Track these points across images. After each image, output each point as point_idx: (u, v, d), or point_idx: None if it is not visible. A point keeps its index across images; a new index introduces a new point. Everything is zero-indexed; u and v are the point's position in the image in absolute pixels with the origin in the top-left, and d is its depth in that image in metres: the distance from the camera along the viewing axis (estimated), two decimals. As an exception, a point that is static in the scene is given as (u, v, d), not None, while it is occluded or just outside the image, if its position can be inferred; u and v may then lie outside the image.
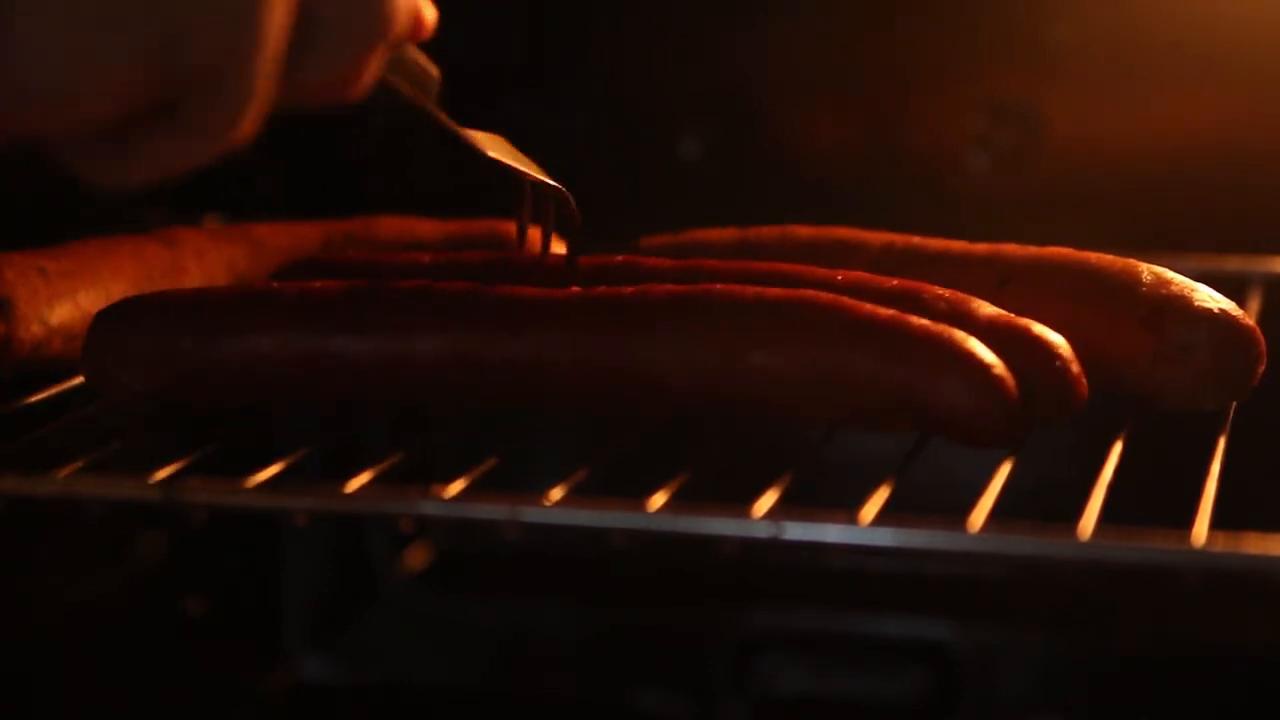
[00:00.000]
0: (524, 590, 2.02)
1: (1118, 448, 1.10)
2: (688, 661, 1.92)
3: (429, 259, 1.30)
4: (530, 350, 1.12)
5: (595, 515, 1.03)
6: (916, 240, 1.32)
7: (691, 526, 1.02)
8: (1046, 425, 1.08)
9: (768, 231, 1.39)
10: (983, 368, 1.04)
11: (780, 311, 1.09)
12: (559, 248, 1.30)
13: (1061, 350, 1.09)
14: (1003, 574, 1.86)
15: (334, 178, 1.90)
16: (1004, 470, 1.06)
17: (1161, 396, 1.15)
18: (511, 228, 1.43)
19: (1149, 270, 1.18)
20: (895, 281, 1.16)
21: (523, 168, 1.20)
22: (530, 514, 1.03)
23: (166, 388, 1.16)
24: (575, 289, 1.14)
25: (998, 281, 1.22)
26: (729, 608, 1.93)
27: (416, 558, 2.04)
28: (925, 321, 1.06)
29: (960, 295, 1.14)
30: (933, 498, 1.06)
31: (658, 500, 1.03)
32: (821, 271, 1.18)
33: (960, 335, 1.05)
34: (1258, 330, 1.15)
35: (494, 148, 1.17)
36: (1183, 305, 1.14)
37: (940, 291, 1.14)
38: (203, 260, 1.37)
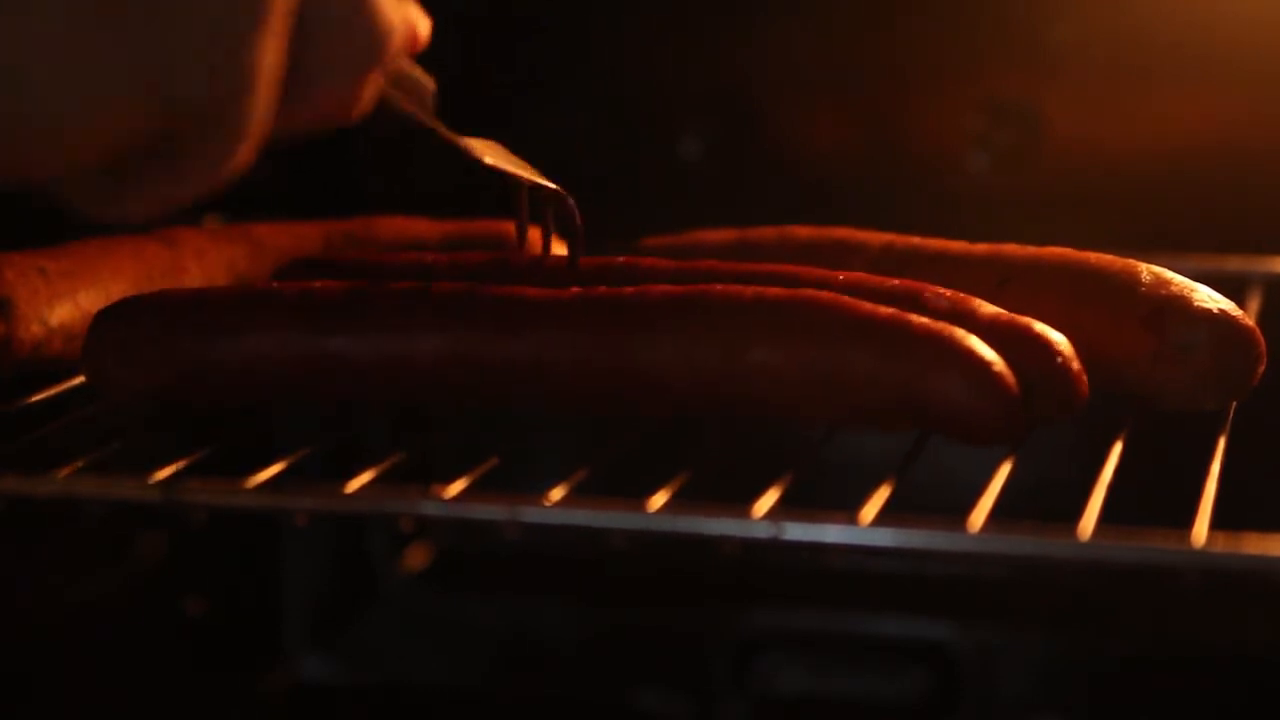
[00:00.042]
0: (524, 590, 2.02)
1: (1118, 448, 1.10)
2: (688, 661, 1.92)
3: (429, 259, 1.30)
4: (530, 350, 1.12)
5: (595, 515, 1.03)
6: (916, 240, 1.32)
7: (691, 526, 1.02)
8: (1047, 423, 1.08)
9: (767, 232, 1.39)
10: (983, 365, 1.04)
11: (780, 310, 1.09)
12: (559, 249, 1.30)
13: (1062, 348, 1.09)
14: (1003, 574, 1.86)
15: (334, 178, 1.90)
16: (1004, 470, 1.06)
17: (1161, 396, 1.15)
18: (511, 227, 1.43)
19: (1149, 270, 1.18)
20: (896, 281, 1.16)
21: (521, 172, 1.20)
22: (530, 514, 1.03)
23: (166, 388, 1.16)
24: (575, 289, 1.14)
25: (998, 281, 1.22)
26: (729, 608, 1.93)
27: (416, 558, 2.04)
28: (925, 319, 1.06)
29: (961, 295, 1.14)
30: (933, 498, 1.06)
31: (658, 500, 1.03)
32: (822, 272, 1.18)
33: (960, 333, 1.05)
34: (1258, 330, 1.15)
35: (491, 154, 1.17)
36: (1183, 305, 1.14)
37: (941, 291, 1.14)
38: (203, 260, 1.37)
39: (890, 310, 1.07)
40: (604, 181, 1.86)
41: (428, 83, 1.00)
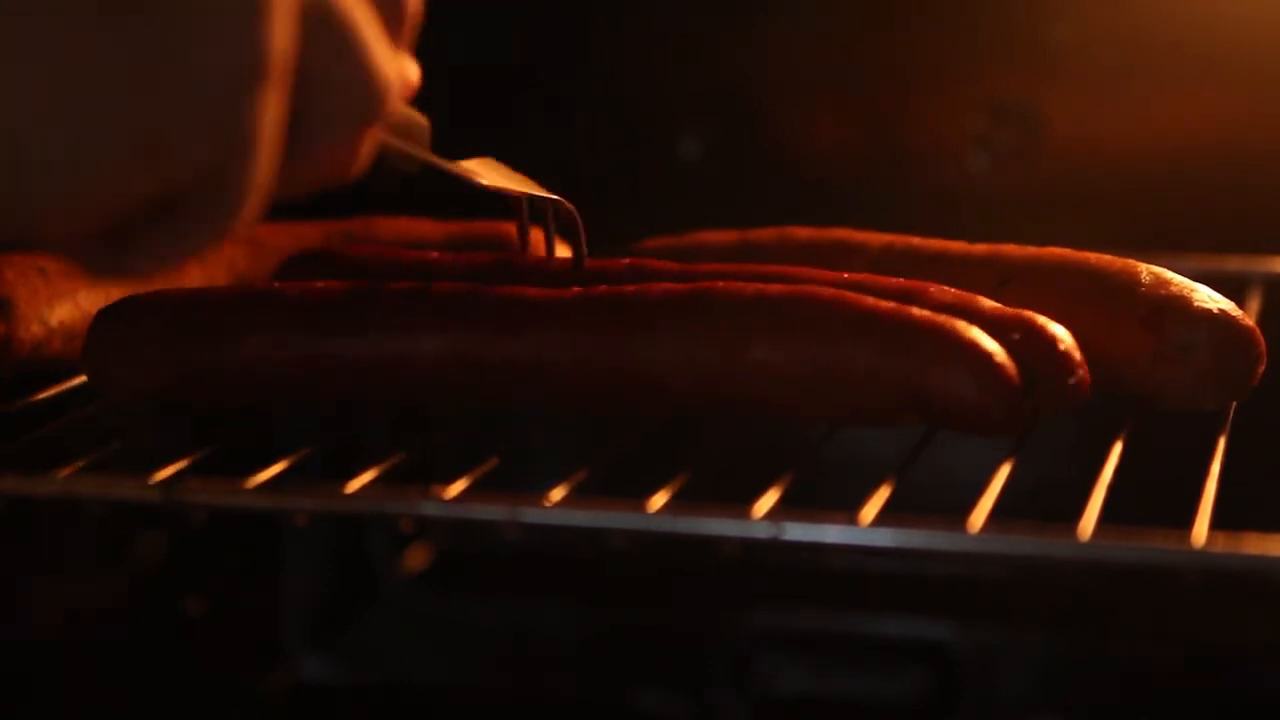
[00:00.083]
0: (524, 590, 2.01)
1: (1118, 448, 1.10)
2: (688, 661, 1.92)
3: (430, 258, 1.30)
4: (530, 350, 1.12)
5: (595, 515, 1.03)
6: (916, 241, 1.32)
7: (691, 527, 1.02)
8: (1050, 415, 1.08)
9: (767, 233, 1.39)
10: (986, 355, 1.04)
11: (780, 307, 1.09)
12: (562, 251, 1.30)
13: (1064, 339, 1.09)
14: (1003, 574, 1.86)
15: (333, 184, 1.90)
16: (1004, 470, 1.06)
17: (1161, 396, 1.15)
18: (512, 228, 1.43)
19: (1149, 270, 1.18)
20: (898, 281, 1.16)
21: (519, 188, 1.20)
22: (530, 514, 1.03)
23: (166, 387, 1.16)
24: (576, 289, 1.14)
25: (997, 281, 1.22)
26: (729, 608, 1.93)
27: (416, 558, 2.04)
28: (926, 312, 1.06)
29: (963, 293, 1.14)
30: (933, 498, 1.06)
31: (658, 500, 1.03)
32: (825, 274, 1.18)
33: (962, 324, 1.05)
34: (1258, 330, 1.15)
35: (489, 174, 1.17)
36: (1183, 305, 1.14)
37: (944, 289, 1.14)
38: (203, 260, 1.37)
39: (891, 304, 1.07)
40: (604, 182, 1.86)
41: (421, 121, 1.01)
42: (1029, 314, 1.10)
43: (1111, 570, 0.99)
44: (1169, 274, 1.18)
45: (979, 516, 0.99)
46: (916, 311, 1.06)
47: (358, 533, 2.02)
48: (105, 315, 1.18)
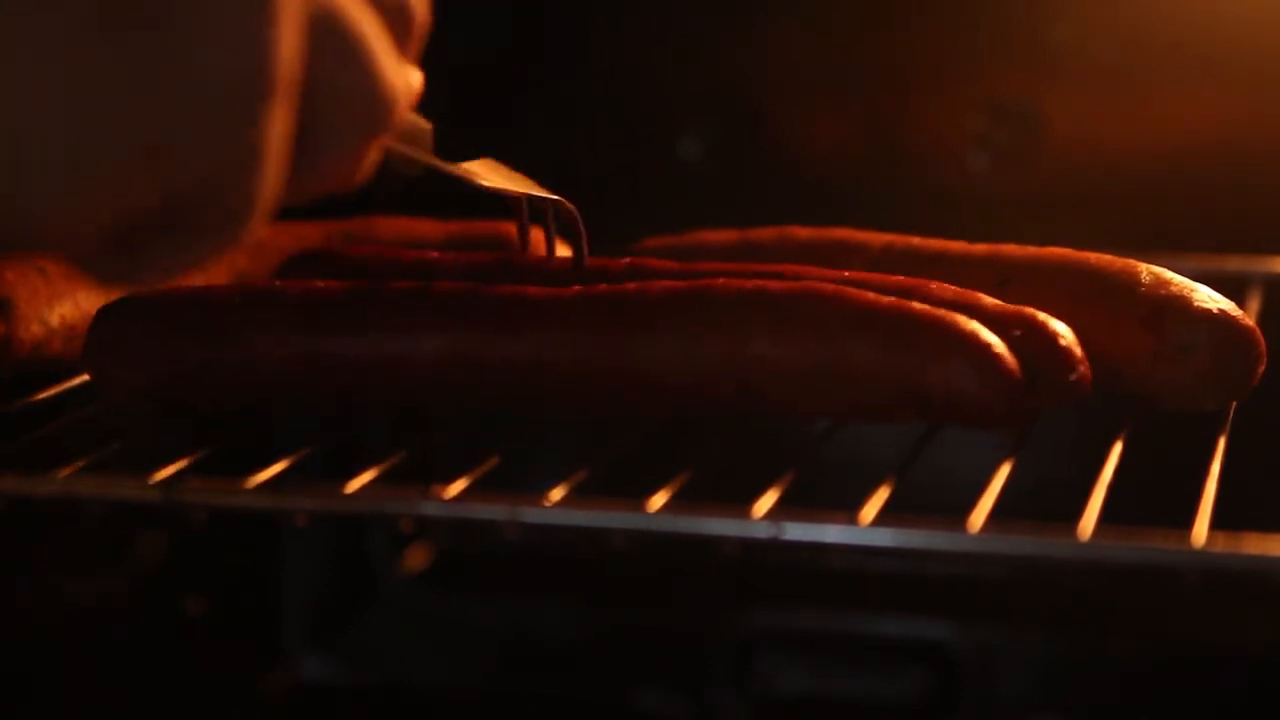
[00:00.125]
0: (524, 590, 2.02)
1: (1118, 448, 1.10)
2: (688, 661, 1.92)
3: (430, 258, 1.30)
4: (530, 350, 1.12)
5: (595, 515, 1.03)
6: (916, 241, 1.32)
7: (691, 526, 1.02)
8: (1051, 409, 1.08)
9: (768, 232, 1.39)
10: (986, 349, 1.04)
11: (780, 304, 1.08)
12: (563, 251, 1.30)
13: (1065, 335, 1.09)
14: (1003, 574, 1.86)
15: (337, 191, 1.90)
16: (1004, 470, 1.06)
17: (1161, 396, 1.15)
18: (513, 228, 1.43)
19: (1149, 270, 1.18)
20: (898, 280, 1.16)
21: (519, 188, 1.20)
22: (530, 514, 1.03)
23: (167, 386, 1.16)
24: (575, 288, 1.14)
25: (998, 281, 1.22)
26: (729, 608, 1.93)
27: (416, 558, 2.04)
28: (927, 307, 1.06)
29: (964, 291, 1.14)
30: (933, 498, 1.06)
31: (658, 500, 1.03)
32: (827, 272, 1.18)
33: (962, 319, 1.05)
34: (1258, 330, 1.15)
35: (490, 176, 1.17)
36: (1183, 305, 1.14)
37: (945, 286, 1.14)
38: (224, 245, 1.37)
39: (891, 299, 1.07)
40: (604, 182, 1.86)
41: (424, 125, 1.01)
42: (1030, 310, 1.10)
43: (1111, 570, 0.99)
44: (1169, 274, 1.18)
45: (979, 516, 0.99)
46: (917, 306, 1.06)
47: (358, 533, 2.02)
48: (105, 314, 1.18)
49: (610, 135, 1.93)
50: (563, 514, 1.03)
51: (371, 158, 0.83)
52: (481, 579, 2.03)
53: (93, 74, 0.68)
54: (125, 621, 1.73)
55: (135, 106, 0.69)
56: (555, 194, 1.22)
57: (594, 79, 1.93)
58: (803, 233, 1.38)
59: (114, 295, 1.24)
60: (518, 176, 1.21)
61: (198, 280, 1.35)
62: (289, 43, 0.72)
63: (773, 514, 1.01)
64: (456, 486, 1.06)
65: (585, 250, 1.23)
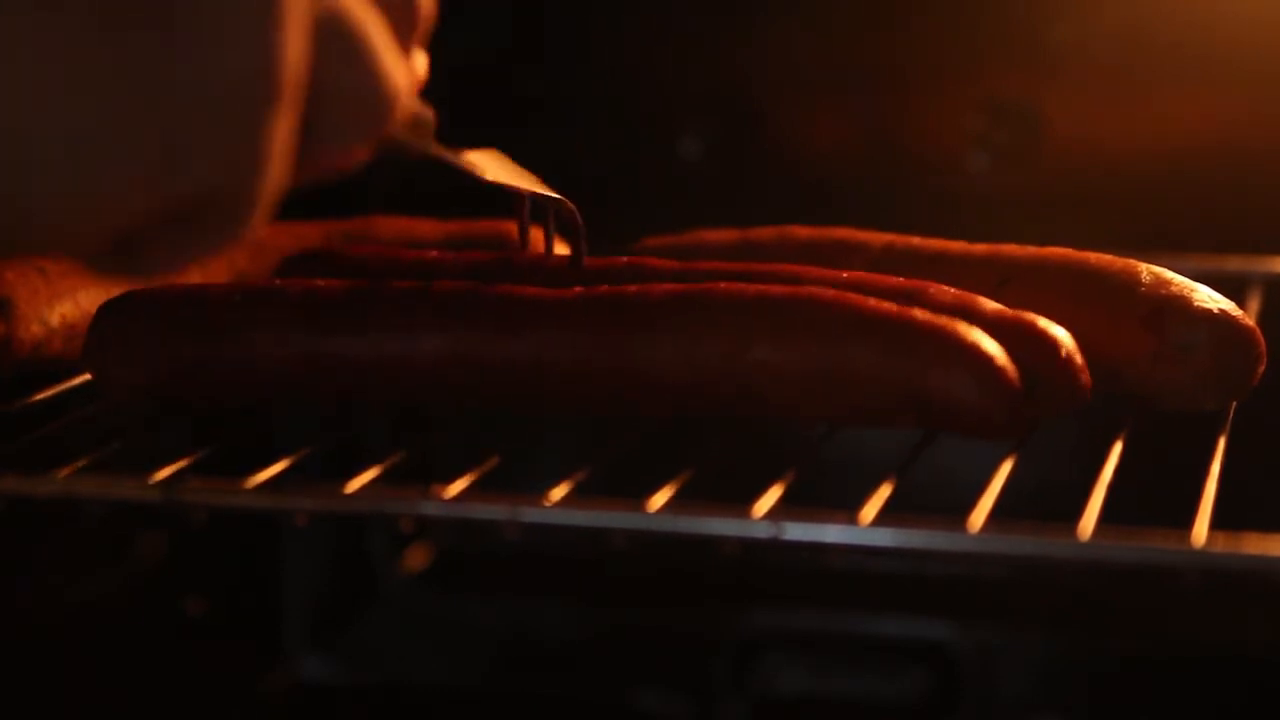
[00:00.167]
0: (524, 590, 2.02)
1: (1118, 448, 1.10)
2: (688, 661, 1.92)
3: (429, 257, 1.30)
4: (530, 350, 1.12)
5: (595, 515, 1.03)
6: (916, 241, 1.32)
7: (691, 526, 1.02)
8: (1050, 417, 1.08)
9: (768, 232, 1.39)
10: (987, 359, 1.04)
11: (782, 308, 1.08)
12: (561, 249, 1.30)
13: (1065, 342, 1.09)
14: (1003, 574, 1.86)
15: (334, 178, 1.90)
16: (1004, 470, 1.06)
17: (1161, 396, 1.15)
18: (513, 227, 1.43)
19: (1149, 270, 1.18)
20: (899, 280, 1.16)
21: (521, 184, 1.19)
22: (530, 514, 1.03)
23: (166, 384, 1.16)
24: (576, 288, 1.14)
25: (998, 282, 1.22)
26: (729, 608, 1.93)
27: (416, 558, 2.04)
28: (928, 314, 1.06)
29: (964, 293, 1.14)
30: (933, 498, 1.06)
31: (658, 500, 1.03)
32: (826, 272, 1.18)
33: (964, 327, 1.05)
34: (1258, 330, 1.15)
35: (492, 168, 1.17)
36: (1183, 305, 1.14)
37: (944, 289, 1.14)
38: (225, 245, 1.37)
39: (892, 305, 1.07)
40: (604, 181, 1.86)
41: (427, 114, 1.00)
42: (1029, 316, 1.10)
43: (1111, 570, 0.99)
44: (1169, 274, 1.18)
45: (979, 516, 0.99)
46: (918, 313, 1.06)
47: (358, 533, 2.02)
48: (106, 311, 1.18)
49: (610, 135, 1.93)
50: (563, 514, 1.03)
51: (371, 146, 0.83)
52: (481, 579, 2.03)
53: (94, 75, 0.68)
54: (125, 621, 1.73)
55: (138, 109, 0.69)
56: (556, 193, 1.22)
57: (594, 79, 1.93)
58: (803, 232, 1.37)
59: (115, 295, 1.24)
60: (521, 171, 1.21)
61: (197, 279, 1.35)
62: (295, 46, 0.72)
63: (773, 514, 1.01)
64: (456, 486, 1.06)
65: (584, 250, 1.23)
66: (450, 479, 1.06)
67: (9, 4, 0.66)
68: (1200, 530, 0.98)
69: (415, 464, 1.13)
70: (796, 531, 1.00)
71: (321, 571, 1.99)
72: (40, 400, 1.25)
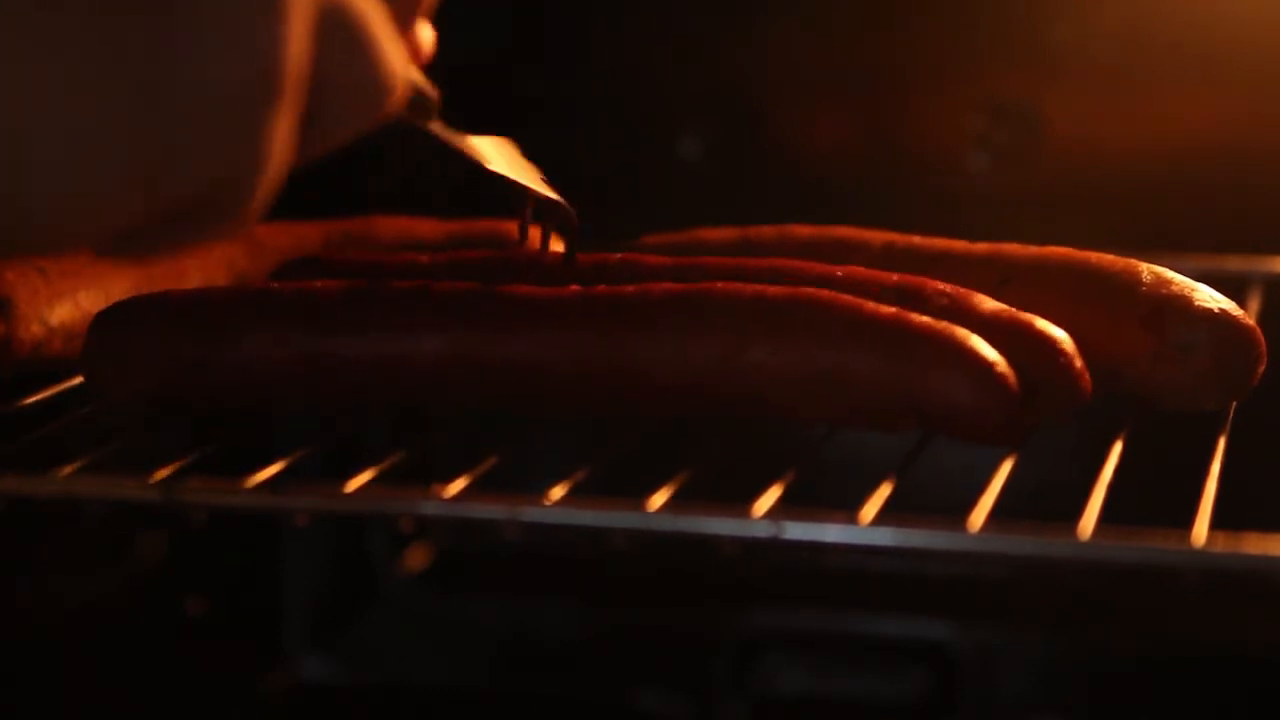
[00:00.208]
0: (524, 590, 2.01)
1: (1118, 448, 1.10)
2: (688, 661, 1.92)
3: (425, 259, 1.30)
4: (530, 351, 1.12)
5: (595, 515, 1.03)
6: (917, 240, 1.32)
7: (691, 526, 1.02)
8: (1049, 421, 1.08)
9: (768, 231, 1.39)
10: (985, 365, 1.04)
11: (779, 310, 1.08)
12: (558, 246, 1.30)
13: (1064, 345, 1.09)
14: (1003, 574, 1.86)
15: (334, 178, 1.90)
16: (1004, 470, 1.06)
17: (1161, 396, 1.15)
18: (512, 227, 1.43)
19: (1149, 270, 1.18)
20: (896, 277, 1.15)
21: (525, 180, 1.19)
22: (530, 514, 1.03)
23: (165, 389, 1.16)
24: (575, 288, 1.14)
25: (998, 281, 1.22)
26: (729, 608, 1.93)
27: (416, 558, 2.04)
28: (926, 318, 1.06)
29: (962, 291, 1.13)
30: (933, 498, 1.06)
31: (658, 500, 1.03)
32: (822, 267, 1.18)
33: (962, 332, 1.05)
34: (1258, 330, 1.15)
35: (498, 157, 1.17)
36: (1183, 305, 1.14)
37: (942, 287, 1.14)
38: (202, 260, 1.37)
39: (891, 309, 1.07)
40: (604, 181, 1.86)
41: (430, 93, 1.00)
42: (1028, 317, 1.10)
43: (1111, 570, 0.99)
44: (1169, 274, 1.18)
45: (979, 516, 0.99)
46: (916, 317, 1.06)
47: (358, 533, 2.02)
48: (102, 318, 1.18)
49: (610, 135, 1.93)
50: (563, 513, 1.03)
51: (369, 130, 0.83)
52: (481, 579, 2.03)
53: (95, 76, 0.67)
54: (125, 621, 1.73)
55: (138, 109, 0.68)
56: (555, 190, 1.21)
57: (594, 79, 1.93)
58: (803, 232, 1.37)
59: (114, 297, 1.24)
60: (526, 165, 1.20)
61: (196, 281, 1.35)
62: (298, 42, 0.72)
63: (773, 514, 1.01)
64: (456, 486, 1.06)
65: (577, 247, 1.22)
66: (450, 479, 1.06)
67: (9, 4, 0.66)
68: (1200, 530, 0.98)
69: (415, 464, 1.13)
70: (796, 531, 1.00)
71: (321, 571, 1.99)
72: (40, 400, 1.25)
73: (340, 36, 0.76)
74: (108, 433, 1.17)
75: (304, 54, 0.72)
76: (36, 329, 1.24)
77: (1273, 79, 1.74)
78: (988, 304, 1.12)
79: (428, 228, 1.51)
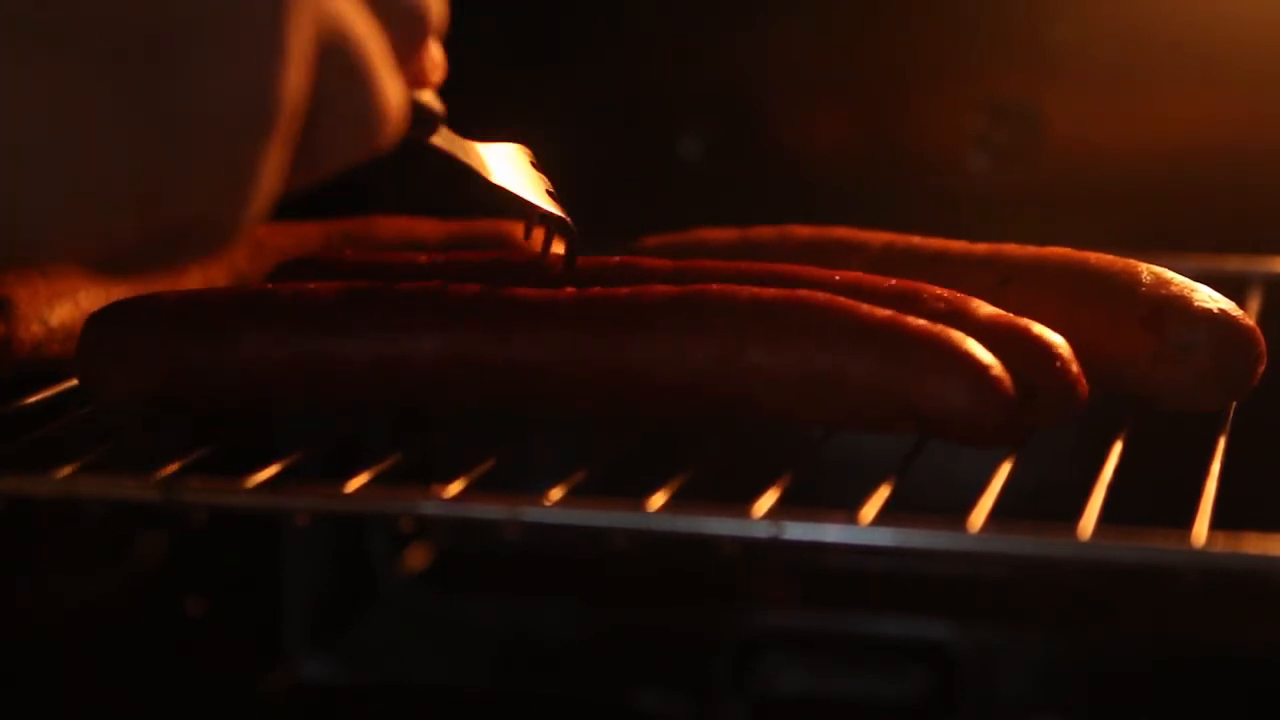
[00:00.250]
0: (524, 590, 2.01)
1: (1118, 448, 1.10)
2: (688, 661, 1.92)
3: (424, 259, 1.30)
4: (529, 351, 1.12)
5: (595, 515, 1.03)
6: (916, 240, 1.32)
7: (691, 526, 1.02)
8: (1047, 426, 1.08)
9: (768, 231, 1.39)
10: (981, 369, 1.04)
11: (776, 312, 1.08)
12: (559, 249, 1.30)
13: (1061, 350, 1.09)
14: (1003, 574, 1.86)
15: (337, 177, 1.90)
16: (1004, 470, 1.06)
17: (1161, 396, 1.15)
18: (512, 226, 1.43)
19: (1149, 270, 1.18)
20: (893, 281, 1.15)
21: (527, 192, 1.18)
22: (530, 514, 1.03)
23: (161, 391, 1.16)
24: (573, 290, 1.14)
25: (998, 281, 1.22)
26: (729, 608, 1.93)
27: (416, 558, 2.04)
28: (923, 322, 1.06)
29: (959, 295, 1.13)
30: (933, 498, 1.06)
31: (657, 500, 1.03)
32: (819, 271, 1.18)
33: (958, 336, 1.05)
34: (1258, 330, 1.15)
35: (503, 168, 1.16)
36: (1183, 305, 1.14)
37: (939, 291, 1.14)
38: (206, 260, 1.37)
39: (887, 313, 1.07)
40: (604, 181, 1.86)
41: (437, 106, 1.00)
42: (1024, 322, 1.10)
43: (1111, 570, 0.99)
44: (1169, 274, 1.18)
45: (979, 516, 0.99)
46: (912, 321, 1.06)
47: (358, 533, 2.02)
48: (98, 318, 1.18)
49: (610, 135, 1.93)
50: (563, 513, 1.03)
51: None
52: (481, 579, 2.03)
53: (93, 112, 0.67)
54: (125, 621, 1.73)
55: (136, 142, 0.68)
56: (558, 201, 1.21)
57: (594, 79, 1.93)
58: (803, 232, 1.38)
59: (115, 296, 1.24)
60: (534, 174, 1.20)
61: (196, 281, 1.35)
62: (297, 74, 0.71)
63: (772, 514, 1.01)
64: (456, 486, 1.06)
65: (575, 258, 1.22)
66: (450, 479, 1.06)
67: (7, 37, 0.66)
68: (1200, 530, 0.98)
69: (415, 464, 1.13)
70: (796, 531, 1.00)
71: (321, 571, 1.99)
72: (40, 400, 1.25)
73: (339, 68, 0.76)
74: (107, 433, 1.17)
75: (303, 86, 0.72)
76: (36, 329, 1.24)
77: (1273, 79, 1.74)
78: (985, 309, 1.12)
79: (428, 228, 1.51)
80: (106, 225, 0.70)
